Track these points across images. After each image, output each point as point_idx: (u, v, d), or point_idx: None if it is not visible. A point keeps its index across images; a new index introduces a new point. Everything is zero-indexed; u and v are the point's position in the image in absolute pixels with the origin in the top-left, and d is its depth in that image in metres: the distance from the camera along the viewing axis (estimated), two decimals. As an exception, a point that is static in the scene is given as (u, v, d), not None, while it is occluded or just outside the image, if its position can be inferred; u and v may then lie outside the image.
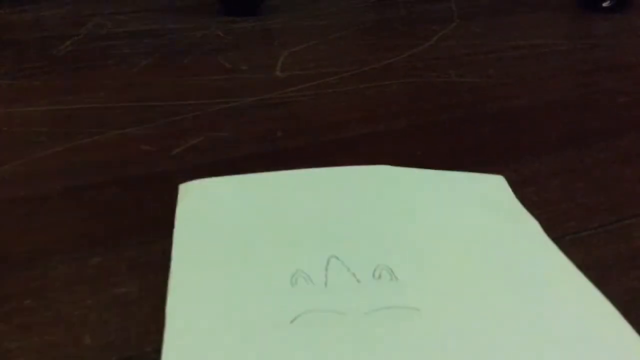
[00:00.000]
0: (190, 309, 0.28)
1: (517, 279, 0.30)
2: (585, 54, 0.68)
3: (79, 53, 0.71)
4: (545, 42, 0.73)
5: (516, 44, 0.72)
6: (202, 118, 0.52)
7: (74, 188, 0.41)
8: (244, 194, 0.38)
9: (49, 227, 0.37)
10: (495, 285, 0.30)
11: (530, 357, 0.26)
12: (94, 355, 0.27)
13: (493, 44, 0.72)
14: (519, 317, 0.28)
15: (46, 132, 0.50)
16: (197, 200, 0.37)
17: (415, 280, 0.30)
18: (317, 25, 0.82)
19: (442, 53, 0.69)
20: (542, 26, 0.80)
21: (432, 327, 0.27)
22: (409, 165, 0.42)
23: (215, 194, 0.38)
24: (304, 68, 0.64)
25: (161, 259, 0.33)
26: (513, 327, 0.27)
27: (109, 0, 0.99)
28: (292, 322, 0.27)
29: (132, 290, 0.31)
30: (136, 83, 0.61)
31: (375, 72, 0.63)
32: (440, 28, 0.80)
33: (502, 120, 0.51)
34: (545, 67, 0.64)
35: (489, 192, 0.39)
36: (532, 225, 0.35)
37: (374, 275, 0.31)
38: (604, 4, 0.86)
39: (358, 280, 0.30)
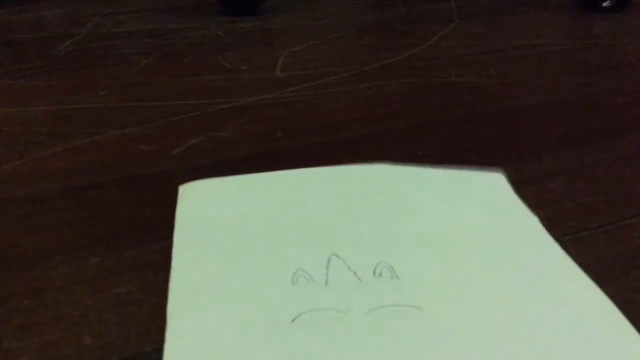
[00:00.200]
0: (191, 309, 0.28)
1: (518, 276, 0.30)
2: (585, 54, 0.68)
3: (79, 53, 0.71)
4: (545, 42, 0.73)
5: (516, 44, 0.72)
6: (202, 118, 0.52)
7: (74, 188, 0.41)
8: (244, 194, 0.38)
9: (49, 227, 0.37)
10: (496, 282, 0.30)
11: (531, 354, 0.26)
12: (94, 355, 0.27)
13: (493, 44, 0.72)
14: (520, 315, 0.28)
15: (46, 132, 0.50)
16: (197, 201, 0.37)
17: (416, 278, 0.30)
18: (317, 25, 0.82)
19: (442, 53, 0.69)
20: (542, 26, 0.80)
21: (432, 325, 0.27)
22: (409, 165, 0.42)
23: (215, 194, 0.38)
24: (304, 68, 0.64)
25: (161, 259, 0.33)
26: (514, 324, 0.27)
27: (109, 0, 0.99)
28: (293, 321, 0.27)
29: (132, 290, 0.31)
30: (136, 83, 0.61)
31: (375, 72, 0.63)
32: (440, 28, 0.80)
33: (502, 120, 0.51)
34: (545, 67, 0.64)
35: (489, 189, 0.39)
36: (532, 223, 0.35)
37: (374, 273, 0.30)
38: (604, 4, 0.86)
39: (359, 279, 0.30)
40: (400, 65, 0.65)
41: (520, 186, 0.40)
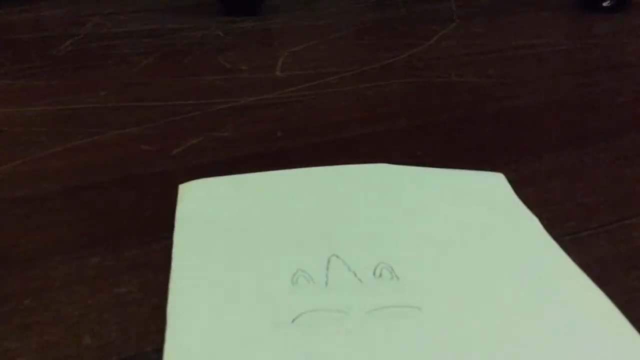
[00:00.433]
0: (191, 309, 0.28)
1: (518, 276, 0.30)
2: (585, 54, 0.68)
3: (79, 53, 0.71)
4: (545, 42, 0.73)
5: (516, 44, 0.72)
6: (202, 118, 0.52)
7: (74, 188, 0.41)
8: (244, 193, 0.38)
9: (49, 227, 0.37)
10: (496, 283, 0.30)
11: (531, 354, 0.26)
12: (94, 355, 0.27)
13: (493, 44, 0.72)
14: (520, 315, 0.28)
15: (46, 132, 0.50)
16: (197, 200, 0.37)
17: (416, 278, 0.30)
18: (317, 25, 0.82)
19: (442, 53, 0.69)
20: (542, 26, 0.80)
21: (432, 325, 0.27)
22: (409, 165, 0.42)
23: (215, 194, 0.38)
24: (304, 68, 0.64)
25: (161, 259, 0.33)
26: (513, 324, 0.27)
27: (109, 0, 0.99)
28: (293, 321, 0.27)
29: (132, 290, 0.31)
30: (136, 83, 0.61)
31: (375, 72, 0.63)
32: (440, 28, 0.80)
33: (502, 120, 0.51)
34: (545, 67, 0.64)
35: (489, 189, 0.39)
36: (532, 223, 0.35)
37: (374, 274, 0.30)
38: (604, 4, 0.86)
39: (359, 279, 0.30)
40: (400, 65, 0.65)
41: (520, 186, 0.40)
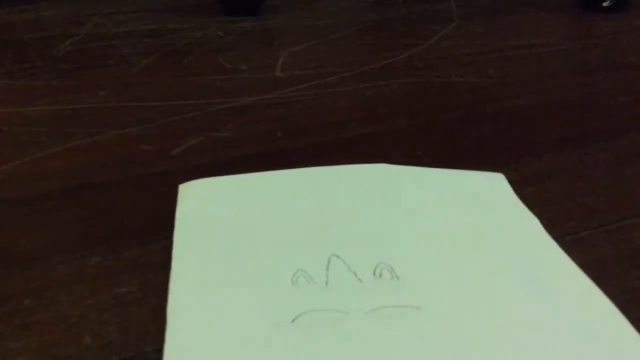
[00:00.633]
0: (191, 309, 0.28)
1: (518, 276, 0.30)
2: (585, 54, 0.68)
3: (79, 53, 0.71)
4: (545, 42, 0.73)
5: (516, 44, 0.72)
6: (202, 118, 0.52)
7: (74, 188, 0.41)
8: (244, 193, 0.38)
9: (49, 227, 0.37)
10: (496, 283, 0.30)
11: (531, 354, 0.26)
12: (94, 355, 0.27)
13: (493, 44, 0.72)
14: (520, 315, 0.28)
15: (46, 132, 0.50)
16: (197, 200, 0.37)
17: (416, 278, 0.30)
18: (317, 25, 0.82)
19: (442, 53, 0.69)
20: (542, 26, 0.80)
21: (432, 325, 0.27)
22: (409, 165, 0.42)
23: (215, 194, 0.38)
24: (304, 68, 0.64)
25: (161, 259, 0.33)
26: (513, 324, 0.27)
27: (109, 0, 0.99)
28: (293, 321, 0.27)
29: (132, 290, 0.31)
30: (136, 83, 0.61)
31: (375, 72, 0.63)
32: (440, 28, 0.80)
33: (502, 120, 0.51)
34: (545, 67, 0.64)
35: (489, 189, 0.39)
36: (532, 223, 0.35)
37: (374, 274, 0.31)
38: (604, 4, 0.86)
39: (359, 279, 0.30)
40: (400, 65, 0.65)
41: (520, 186, 0.40)
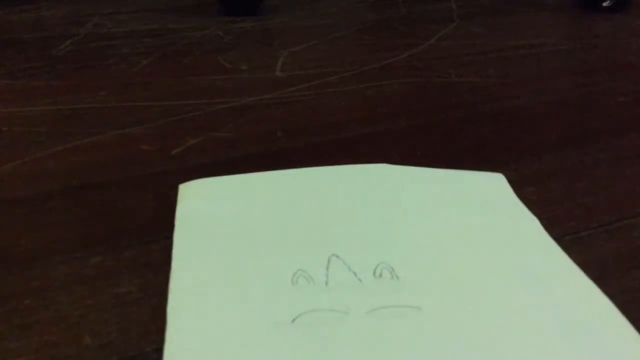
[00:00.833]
0: (191, 309, 0.28)
1: (518, 277, 0.30)
2: (585, 54, 0.68)
3: (79, 53, 0.71)
4: (545, 42, 0.73)
5: (516, 44, 0.72)
6: (202, 118, 0.52)
7: (74, 188, 0.41)
8: (244, 193, 0.38)
9: (49, 227, 0.37)
10: (496, 283, 0.30)
11: (531, 354, 0.26)
12: (94, 355, 0.27)
13: (493, 44, 0.72)
14: (520, 315, 0.28)
15: (46, 132, 0.50)
16: (197, 200, 0.37)
17: (416, 278, 0.30)
18: (317, 25, 0.82)
19: (442, 53, 0.69)
20: (542, 26, 0.81)
21: (433, 326, 0.27)
22: (409, 165, 0.42)
23: (215, 194, 0.38)
24: (304, 68, 0.64)
25: (161, 259, 0.33)
26: (513, 324, 0.27)
27: (109, 0, 0.99)
28: (293, 321, 0.27)
29: (132, 290, 0.31)
30: (136, 83, 0.61)
31: (375, 72, 0.63)
32: (440, 28, 0.80)
33: (502, 120, 0.51)
34: (545, 67, 0.64)
35: (489, 189, 0.39)
36: (532, 223, 0.35)
37: (374, 274, 0.30)
38: (604, 4, 0.86)
39: (359, 280, 0.30)
40: (400, 65, 0.65)
41: (520, 186, 0.40)
